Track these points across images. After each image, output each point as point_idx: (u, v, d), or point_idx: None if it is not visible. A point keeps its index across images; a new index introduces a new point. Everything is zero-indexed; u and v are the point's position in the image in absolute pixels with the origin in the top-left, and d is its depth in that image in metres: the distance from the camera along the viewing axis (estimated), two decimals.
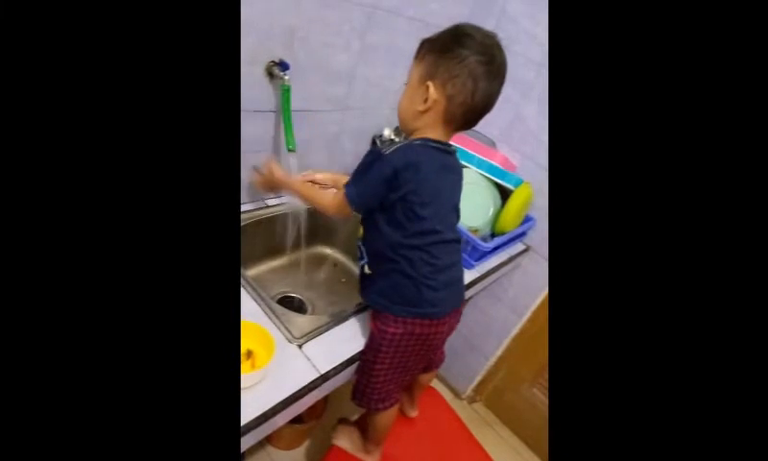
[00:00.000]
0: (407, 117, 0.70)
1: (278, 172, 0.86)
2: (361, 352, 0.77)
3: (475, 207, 1.15)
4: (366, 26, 0.98)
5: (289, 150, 0.92)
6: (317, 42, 0.90)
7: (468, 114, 0.66)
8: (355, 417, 1.06)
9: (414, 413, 1.09)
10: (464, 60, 0.62)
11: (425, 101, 0.65)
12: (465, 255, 1.07)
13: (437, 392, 1.26)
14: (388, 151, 0.65)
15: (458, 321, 0.81)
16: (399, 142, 0.67)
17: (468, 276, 1.06)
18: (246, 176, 0.94)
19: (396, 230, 0.68)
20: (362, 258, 0.77)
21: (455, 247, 0.75)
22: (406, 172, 0.64)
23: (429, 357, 0.89)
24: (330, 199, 0.78)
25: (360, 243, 0.77)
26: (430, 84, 0.64)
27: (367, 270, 0.76)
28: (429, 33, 1.12)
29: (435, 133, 0.68)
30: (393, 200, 0.66)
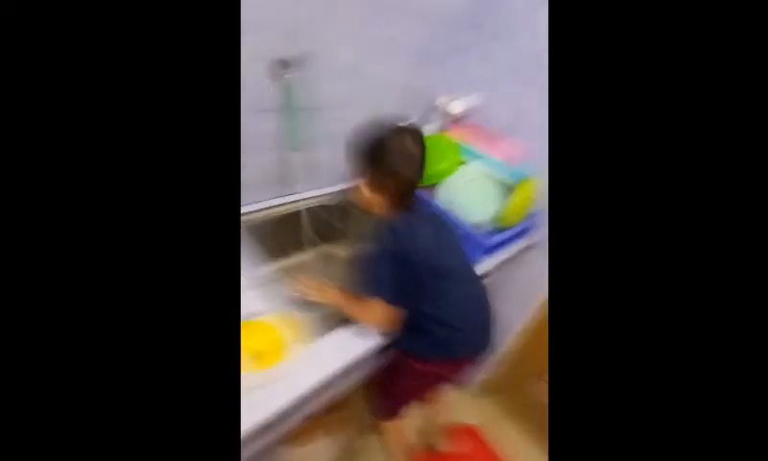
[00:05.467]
0: (373, 210, 0.84)
1: (328, 293, 0.90)
2: (385, 372, 0.91)
3: (478, 202, 1.15)
4: (369, 21, 0.97)
5: (293, 149, 0.91)
6: (320, 39, 0.90)
7: (412, 187, 0.81)
8: None
9: (447, 447, 1.14)
10: (392, 156, 0.76)
11: (374, 201, 0.81)
12: (466, 251, 1.06)
13: (475, 429, 1.24)
14: (378, 244, 0.79)
15: (479, 363, 0.92)
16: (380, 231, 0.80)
17: None
18: (245, 175, 0.92)
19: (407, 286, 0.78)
20: None
21: (467, 279, 0.88)
22: (402, 246, 0.77)
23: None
24: (372, 314, 0.79)
25: None
26: (374, 189, 0.79)
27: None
28: (432, 27, 1.10)
29: (397, 206, 0.81)
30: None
